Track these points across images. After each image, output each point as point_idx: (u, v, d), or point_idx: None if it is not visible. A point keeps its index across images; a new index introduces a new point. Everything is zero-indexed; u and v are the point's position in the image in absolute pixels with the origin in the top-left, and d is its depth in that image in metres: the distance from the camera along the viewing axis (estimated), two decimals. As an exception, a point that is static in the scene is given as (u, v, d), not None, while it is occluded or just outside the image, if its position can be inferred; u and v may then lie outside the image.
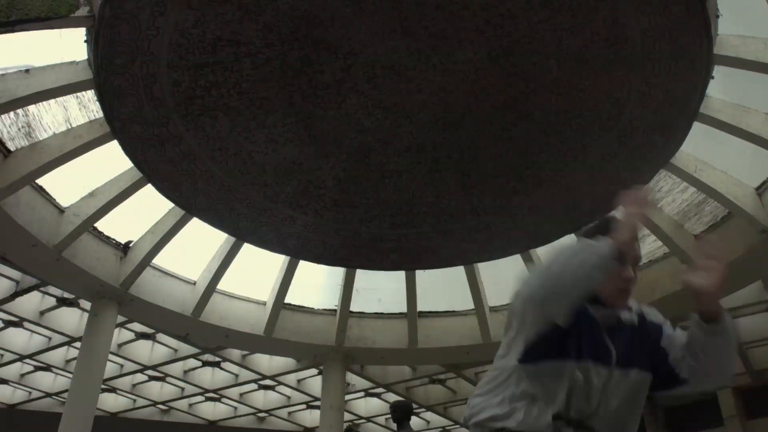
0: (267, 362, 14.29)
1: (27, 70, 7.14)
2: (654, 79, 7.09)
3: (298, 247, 10.14)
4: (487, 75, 7.25)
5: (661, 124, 7.72)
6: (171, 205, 9.40)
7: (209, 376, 15.40)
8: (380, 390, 15.72)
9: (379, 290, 12.03)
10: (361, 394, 16.22)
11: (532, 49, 6.88)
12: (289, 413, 17.77)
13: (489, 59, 7.04)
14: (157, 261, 10.30)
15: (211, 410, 17.48)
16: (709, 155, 8.68)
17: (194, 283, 10.93)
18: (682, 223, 9.50)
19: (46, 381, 15.59)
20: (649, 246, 10.15)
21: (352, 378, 14.64)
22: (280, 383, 15.44)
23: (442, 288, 12.00)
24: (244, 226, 9.64)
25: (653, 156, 8.30)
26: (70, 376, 12.04)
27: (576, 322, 2.09)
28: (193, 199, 9.05)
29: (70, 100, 7.87)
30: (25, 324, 12.55)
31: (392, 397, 14.66)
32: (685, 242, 9.34)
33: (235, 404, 17.18)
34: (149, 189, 8.89)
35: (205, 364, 14.79)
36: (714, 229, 9.26)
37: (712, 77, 7.23)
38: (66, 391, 12.30)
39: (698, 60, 6.84)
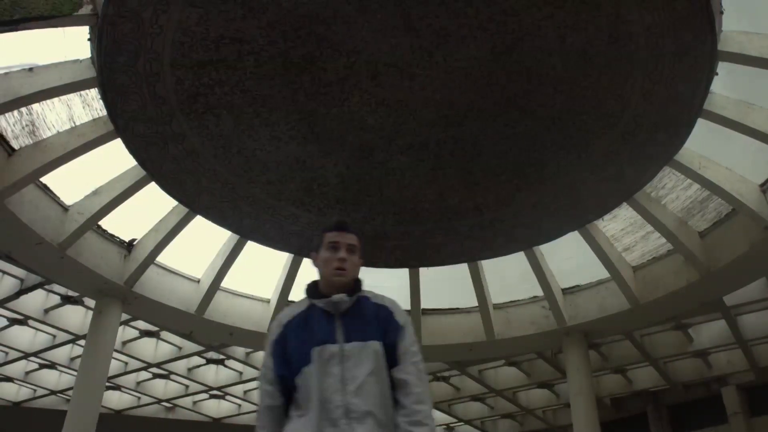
0: (271, 360, 14.27)
1: (31, 69, 7.16)
2: (658, 76, 7.07)
3: (302, 244, 10.14)
4: (490, 72, 7.25)
5: (664, 120, 7.70)
6: (175, 203, 9.42)
7: (213, 374, 15.44)
8: (384, 387, 15.71)
9: (383, 287, 11.95)
10: (365, 391, 16.22)
11: (535, 46, 6.87)
12: (293, 410, 17.76)
13: (492, 56, 7.04)
14: (161, 259, 10.32)
15: (216, 408, 17.51)
16: (713, 152, 8.66)
17: (198, 281, 10.95)
18: (686, 220, 9.48)
19: (51, 379, 15.63)
20: (653, 243, 10.13)
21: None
22: (284, 381, 15.43)
23: (446, 285, 11.99)
24: (248, 224, 9.65)
25: (657, 153, 8.28)
26: (75, 373, 12.08)
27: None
28: (196, 197, 9.07)
29: (73, 98, 7.88)
30: (30, 322, 12.57)
31: (396, 395, 14.64)
32: (689, 239, 9.32)
33: (239, 402, 17.22)
34: (153, 187, 8.91)
35: (209, 361, 14.82)
36: (718, 225, 9.24)
37: (716, 74, 7.21)
38: (71, 388, 12.33)
39: (702, 56, 6.82)
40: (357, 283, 2.82)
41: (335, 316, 2.65)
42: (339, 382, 2.48)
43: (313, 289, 2.79)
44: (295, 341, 2.61)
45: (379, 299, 2.84)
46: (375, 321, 2.68)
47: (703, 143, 8.46)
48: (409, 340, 2.69)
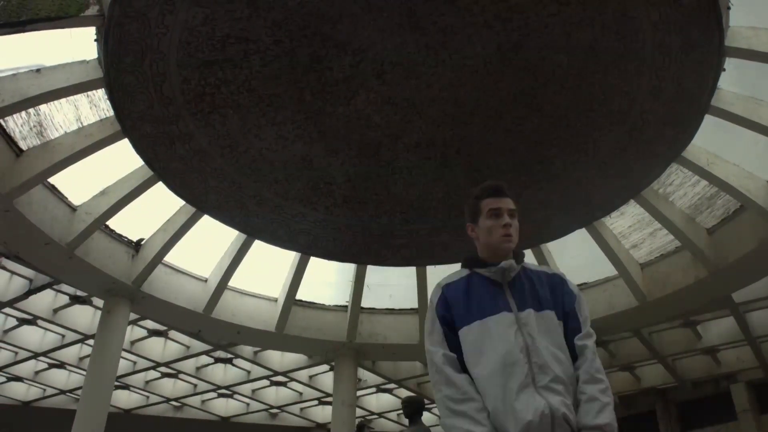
0: (279, 358, 14.34)
1: (38, 70, 7.18)
2: (665, 72, 7.05)
3: (309, 243, 10.16)
4: (496, 70, 7.24)
5: (672, 117, 7.67)
6: (182, 202, 9.44)
7: (221, 373, 15.48)
8: (392, 386, 15.75)
9: (390, 286, 12.03)
10: (373, 389, 16.25)
11: (542, 43, 6.85)
12: (301, 409, 17.83)
13: (498, 54, 7.02)
14: (168, 258, 10.35)
15: (224, 406, 17.57)
16: (721, 148, 8.62)
17: (206, 280, 10.98)
18: (693, 217, 9.44)
19: (60, 378, 15.71)
20: (661, 240, 10.10)
21: (363, 374, 14.67)
22: (292, 379, 15.49)
23: (453, 283, 11.96)
24: (255, 223, 9.67)
25: (664, 149, 8.25)
26: (84, 373, 12.12)
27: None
28: (203, 197, 9.09)
29: (80, 99, 7.90)
30: (39, 322, 12.63)
31: (404, 393, 14.67)
32: (697, 236, 9.28)
33: (247, 400, 17.27)
34: (160, 187, 8.94)
35: (218, 360, 14.85)
36: (726, 222, 9.20)
37: (724, 69, 7.17)
38: (80, 388, 12.38)
39: (709, 52, 6.79)
40: (520, 251, 2.69)
41: (503, 284, 2.55)
42: (521, 351, 2.36)
43: (472, 259, 2.68)
44: (458, 307, 2.52)
45: (546, 269, 2.76)
46: (546, 289, 2.58)
47: (711, 139, 8.42)
48: (585, 308, 2.61)
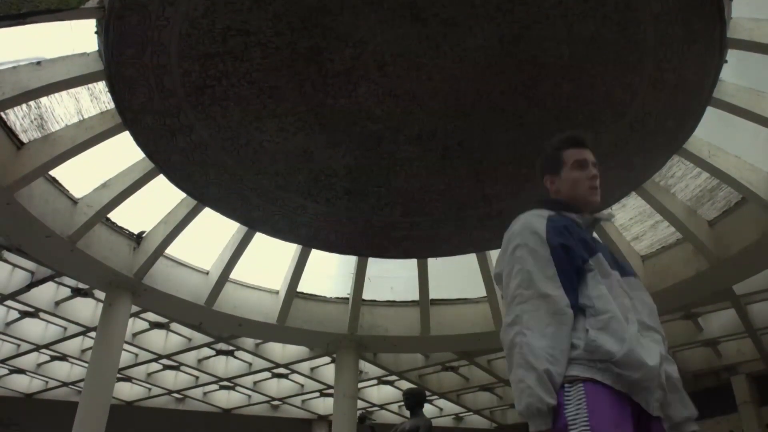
0: (280, 351, 14.37)
1: (38, 63, 7.17)
2: (666, 64, 7.03)
3: (310, 235, 10.16)
4: (498, 61, 7.22)
5: (673, 109, 7.66)
6: (183, 195, 9.45)
7: (223, 365, 15.52)
8: (393, 378, 15.79)
9: (392, 278, 12.04)
10: (374, 381, 16.28)
11: (543, 35, 6.83)
12: (303, 401, 17.88)
13: (500, 46, 7.00)
14: (170, 251, 10.36)
15: (226, 398, 17.62)
16: (723, 140, 8.60)
17: (207, 273, 10.99)
18: (695, 209, 9.44)
19: (63, 370, 15.76)
20: (662, 232, 10.09)
21: (364, 366, 14.70)
22: (293, 371, 15.53)
23: (455, 275, 12.00)
24: (256, 216, 9.67)
25: (666, 142, 8.24)
26: (86, 365, 12.16)
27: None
28: (205, 189, 9.09)
29: (81, 91, 7.90)
30: (41, 314, 12.67)
31: (405, 385, 14.70)
32: (698, 228, 9.28)
33: (249, 392, 17.31)
34: (162, 179, 8.94)
35: (219, 352, 14.89)
36: (728, 214, 9.19)
37: (726, 61, 7.15)
38: (82, 380, 12.43)
39: (711, 44, 6.77)
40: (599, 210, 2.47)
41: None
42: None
43: (559, 202, 2.49)
44: (571, 239, 2.23)
45: None
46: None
47: (713, 131, 8.40)
48: None
